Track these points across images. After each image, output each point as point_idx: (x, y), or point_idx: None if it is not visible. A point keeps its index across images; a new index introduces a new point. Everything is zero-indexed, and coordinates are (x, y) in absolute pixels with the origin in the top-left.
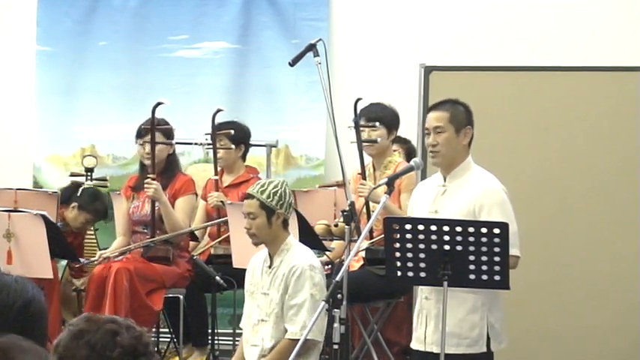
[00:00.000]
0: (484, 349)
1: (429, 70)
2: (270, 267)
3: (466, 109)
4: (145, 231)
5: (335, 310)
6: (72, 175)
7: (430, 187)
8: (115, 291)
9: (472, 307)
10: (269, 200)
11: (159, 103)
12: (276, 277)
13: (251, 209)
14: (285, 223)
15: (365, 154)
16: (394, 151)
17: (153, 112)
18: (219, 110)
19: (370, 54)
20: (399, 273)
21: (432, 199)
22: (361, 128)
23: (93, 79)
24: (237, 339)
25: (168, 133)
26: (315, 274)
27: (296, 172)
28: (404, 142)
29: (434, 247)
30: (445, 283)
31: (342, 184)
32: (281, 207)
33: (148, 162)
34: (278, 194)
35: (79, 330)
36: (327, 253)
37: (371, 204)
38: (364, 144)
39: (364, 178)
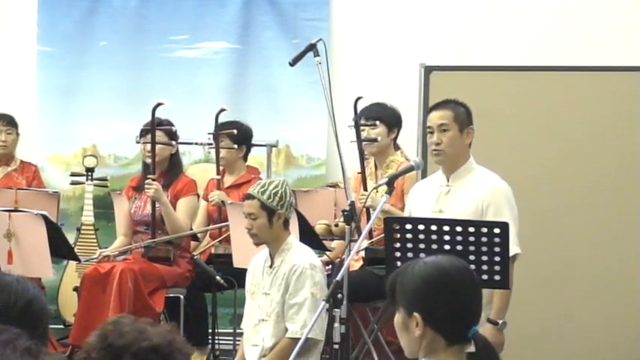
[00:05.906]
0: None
1: (429, 70)
2: (270, 267)
3: (466, 109)
4: (147, 231)
5: (335, 309)
6: (72, 175)
7: (431, 187)
8: (120, 291)
9: None
10: (270, 201)
11: (159, 104)
12: (277, 277)
13: (252, 210)
14: (286, 223)
15: (367, 154)
16: (397, 150)
17: (153, 112)
18: (222, 110)
19: (370, 54)
20: None
21: (435, 198)
22: (361, 127)
23: (93, 80)
24: (237, 339)
25: (171, 134)
26: (315, 273)
27: (297, 172)
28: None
29: (434, 247)
30: None
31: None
32: (282, 207)
33: (149, 161)
34: (279, 194)
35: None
36: (328, 253)
37: None
38: (364, 143)
39: (364, 177)
